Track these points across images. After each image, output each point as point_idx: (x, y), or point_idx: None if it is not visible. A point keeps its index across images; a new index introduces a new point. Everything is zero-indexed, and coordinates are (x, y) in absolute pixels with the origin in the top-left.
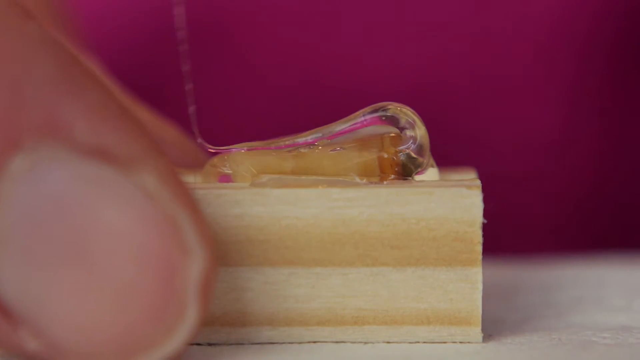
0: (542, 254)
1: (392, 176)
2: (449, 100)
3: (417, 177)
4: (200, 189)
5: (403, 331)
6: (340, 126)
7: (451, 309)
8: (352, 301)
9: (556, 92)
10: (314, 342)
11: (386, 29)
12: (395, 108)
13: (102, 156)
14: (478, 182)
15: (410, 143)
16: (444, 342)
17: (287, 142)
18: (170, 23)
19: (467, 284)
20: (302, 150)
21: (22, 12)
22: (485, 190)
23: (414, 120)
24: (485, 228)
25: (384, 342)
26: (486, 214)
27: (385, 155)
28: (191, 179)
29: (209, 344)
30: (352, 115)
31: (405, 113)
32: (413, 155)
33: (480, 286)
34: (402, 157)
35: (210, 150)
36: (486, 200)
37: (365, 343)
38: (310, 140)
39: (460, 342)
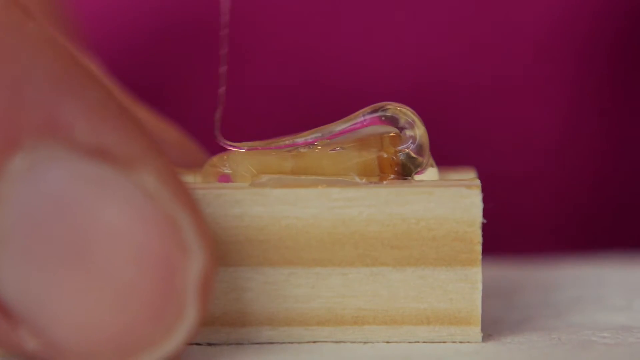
0: (542, 253)
1: (392, 176)
2: (449, 100)
3: (417, 177)
4: (200, 189)
5: (403, 331)
6: (340, 126)
7: (451, 308)
8: (352, 301)
9: (556, 92)
10: (314, 342)
11: (386, 29)
12: (395, 108)
13: (102, 156)
14: (478, 182)
15: (409, 143)
16: (444, 342)
17: (286, 142)
18: (170, 23)
19: (466, 283)
20: (302, 150)
21: (22, 11)
22: (485, 190)
23: (413, 120)
24: (485, 228)
25: (383, 342)
26: (486, 213)
27: (385, 155)
28: (191, 179)
29: (209, 344)
30: (351, 116)
31: (405, 113)
32: (413, 155)
33: (480, 286)
34: (401, 157)
35: (228, 147)
36: (486, 200)
37: (365, 343)
38: (310, 140)
39: (460, 342)
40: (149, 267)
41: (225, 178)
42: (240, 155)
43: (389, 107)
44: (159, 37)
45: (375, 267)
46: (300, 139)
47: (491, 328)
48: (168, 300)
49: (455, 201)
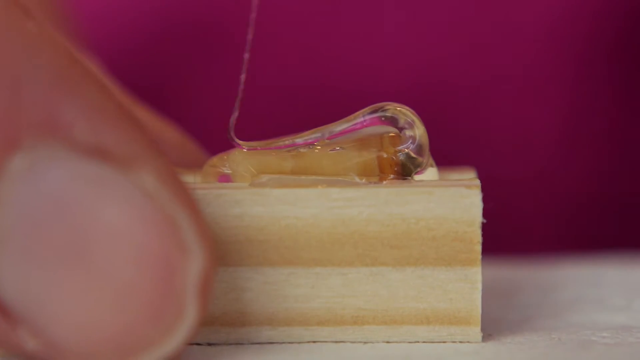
0: (542, 253)
1: (392, 176)
2: (449, 100)
3: (417, 177)
4: (199, 189)
5: (403, 331)
6: (340, 126)
7: (451, 308)
8: (352, 301)
9: (556, 91)
10: (314, 342)
11: (386, 29)
12: (394, 108)
13: (101, 155)
14: (477, 182)
15: (409, 143)
16: (444, 342)
17: (286, 142)
18: (170, 23)
19: (466, 283)
20: (302, 150)
21: (22, 11)
22: (484, 190)
23: (412, 120)
24: (484, 228)
25: (383, 341)
26: (485, 213)
27: (385, 155)
28: (191, 179)
29: (209, 344)
30: (351, 116)
31: (404, 113)
32: (412, 154)
33: (479, 286)
34: (401, 157)
35: (240, 146)
36: (485, 200)
37: (365, 343)
38: (310, 141)
39: (460, 342)
40: (149, 267)
41: (225, 178)
42: (240, 155)
43: (388, 107)
44: (158, 37)
45: (375, 267)
46: (300, 139)
47: (491, 328)
48: (168, 300)
49: (455, 201)
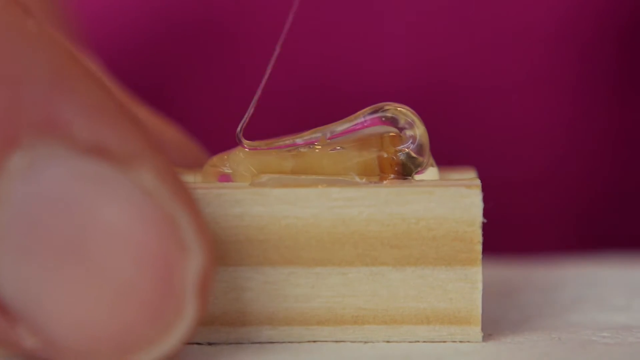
0: (542, 253)
1: (392, 176)
2: (449, 100)
3: (417, 177)
4: (200, 188)
5: (403, 331)
6: (340, 127)
7: (451, 308)
8: (352, 300)
9: (556, 91)
10: (314, 341)
11: (387, 29)
12: (395, 108)
13: (100, 154)
14: (478, 182)
15: (409, 142)
16: (444, 342)
17: (287, 142)
18: (170, 23)
19: (466, 283)
20: (302, 149)
21: (21, 9)
22: (485, 189)
23: (413, 120)
24: (485, 227)
25: (383, 341)
26: (486, 213)
27: (385, 155)
28: (191, 178)
29: (209, 344)
30: (352, 116)
31: (404, 113)
32: (413, 154)
33: (480, 286)
34: (401, 157)
35: (245, 146)
36: (486, 199)
37: (365, 342)
38: (310, 140)
39: (460, 342)
40: (148, 265)
41: (225, 178)
42: (240, 155)
43: (388, 107)
44: (159, 38)
45: (375, 267)
46: (301, 139)
47: (491, 328)
48: (166, 298)
49: (456, 201)
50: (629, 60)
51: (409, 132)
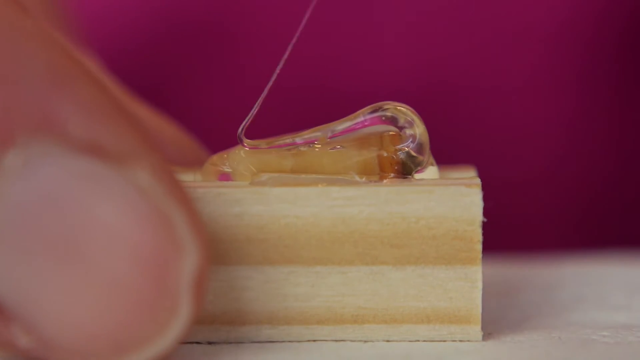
0: (542, 252)
1: (392, 175)
2: (450, 100)
3: (417, 176)
4: (199, 187)
5: (403, 330)
6: (340, 126)
7: (451, 307)
8: (352, 300)
9: (556, 91)
10: (314, 340)
11: (387, 28)
12: (394, 107)
13: (95, 152)
14: (478, 181)
15: (409, 141)
16: (444, 341)
17: (287, 141)
18: (170, 23)
19: (466, 282)
20: (302, 148)
21: (18, 8)
22: (485, 188)
23: (412, 119)
24: (485, 226)
25: (383, 340)
26: (486, 212)
27: (385, 154)
28: (191, 177)
29: (209, 343)
30: (351, 115)
31: (404, 112)
32: (413, 153)
33: (479, 285)
34: (401, 156)
35: (245, 145)
36: (486, 198)
37: (365, 342)
38: (310, 139)
39: (460, 341)
40: (142, 264)
41: (225, 177)
42: (240, 154)
43: (388, 106)
44: (159, 38)
45: (375, 266)
46: (301, 138)
47: (491, 327)
48: (161, 297)
49: (456, 200)
50: (629, 60)
51: (408, 131)
